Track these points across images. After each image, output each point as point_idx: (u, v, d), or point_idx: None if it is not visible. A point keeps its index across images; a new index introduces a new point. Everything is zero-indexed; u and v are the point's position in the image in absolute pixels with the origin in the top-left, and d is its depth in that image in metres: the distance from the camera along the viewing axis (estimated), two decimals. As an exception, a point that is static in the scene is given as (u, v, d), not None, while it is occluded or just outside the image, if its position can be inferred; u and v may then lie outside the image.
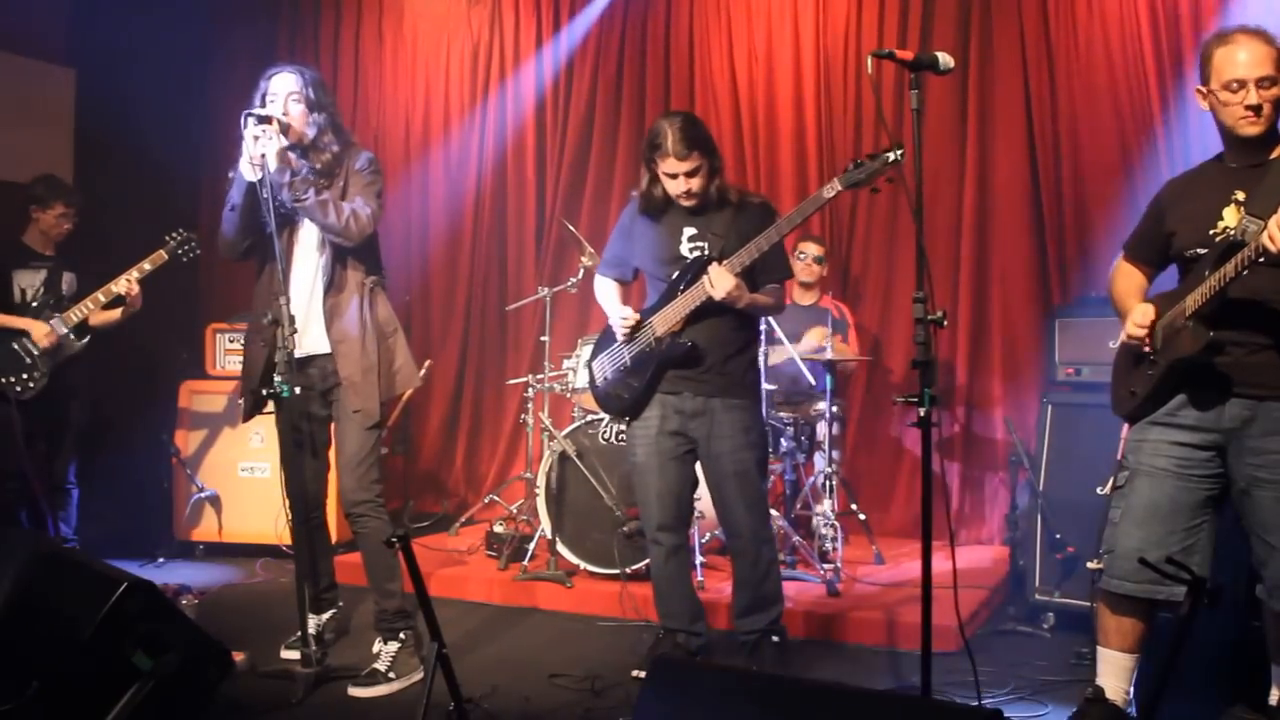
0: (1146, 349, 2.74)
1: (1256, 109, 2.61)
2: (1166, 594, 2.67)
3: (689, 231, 3.35)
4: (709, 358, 3.32)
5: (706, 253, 3.30)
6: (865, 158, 2.96)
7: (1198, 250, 2.71)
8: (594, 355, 3.57)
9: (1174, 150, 4.74)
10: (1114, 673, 2.84)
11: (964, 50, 5.23)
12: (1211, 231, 2.68)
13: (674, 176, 3.27)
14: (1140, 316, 2.74)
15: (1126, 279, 2.97)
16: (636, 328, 3.38)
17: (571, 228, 5.20)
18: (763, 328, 4.07)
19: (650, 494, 3.40)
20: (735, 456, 3.32)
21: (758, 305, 3.33)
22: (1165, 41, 4.80)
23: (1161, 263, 2.95)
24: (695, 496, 3.52)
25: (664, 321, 3.33)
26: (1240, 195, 2.65)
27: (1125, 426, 2.94)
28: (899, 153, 2.91)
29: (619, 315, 3.41)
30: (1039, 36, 5.14)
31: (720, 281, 3.16)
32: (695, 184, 3.27)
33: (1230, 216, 2.66)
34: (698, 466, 3.46)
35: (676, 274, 3.33)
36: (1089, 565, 3.68)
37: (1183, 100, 4.68)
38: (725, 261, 3.20)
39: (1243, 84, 2.62)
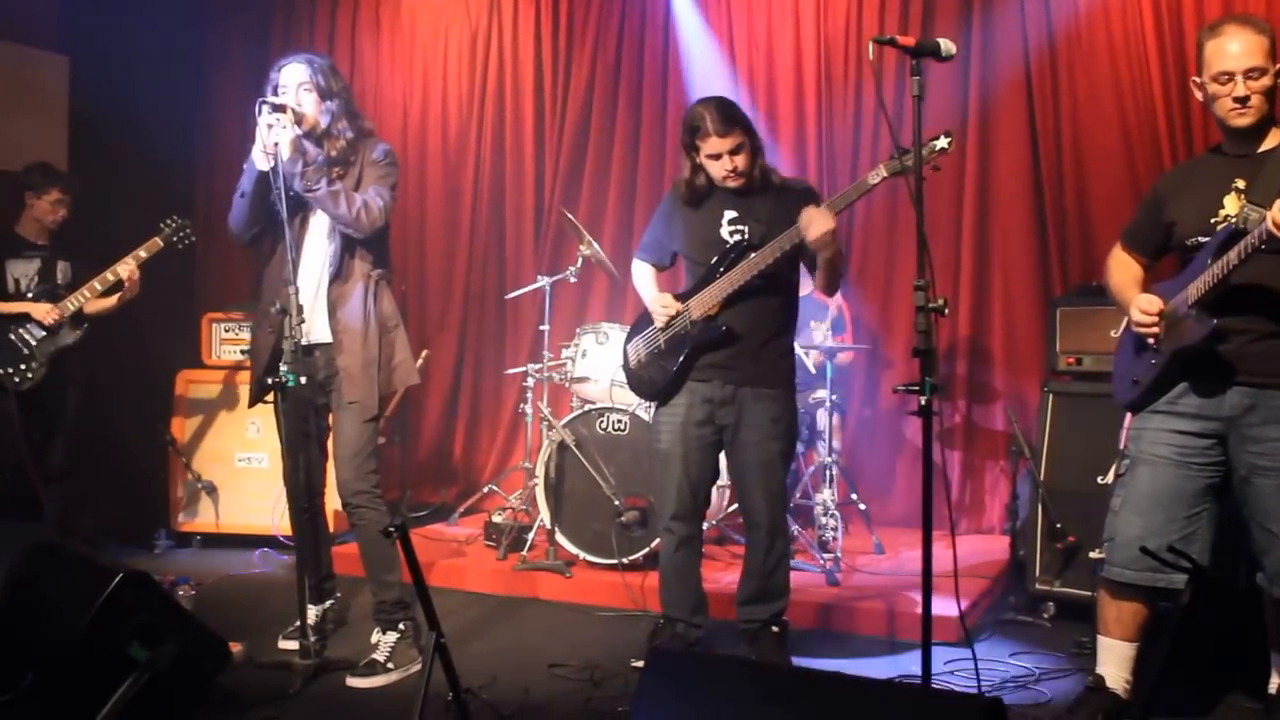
0: (1157, 333, 2.72)
1: (1244, 100, 2.61)
2: (1166, 582, 2.68)
3: (729, 215, 3.32)
4: (743, 342, 3.29)
5: (747, 237, 3.27)
6: (911, 146, 2.77)
7: (1198, 239, 2.72)
8: (630, 337, 3.55)
9: (1176, 138, 4.72)
10: (1114, 661, 2.85)
11: (965, 37, 5.19)
12: (1212, 220, 2.69)
13: (717, 157, 3.24)
14: (1147, 304, 2.73)
15: (1124, 269, 2.96)
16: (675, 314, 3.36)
17: (570, 216, 5.17)
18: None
19: (670, 483, 3.39)
20: (761, 447, 3.31)
21: (837, 263, 3.22)
22: (1168, 29, 4.77)
23: (1159, 253, 2.95)
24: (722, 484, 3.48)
25: (700, 304, 3.31)
26: (1240, 183, 2.66)
27: (1128, 416, 2.94)
28: (948, 140, 2.87)
29: (659, 303, 3.39)
30: (1041, 24, 5.10)
31: (820, 221, 3.04)
32: (740, 162, 3.24)
33: (1231, 205, 2.66)
34: (720, 457, 3.45)
35: (716, 258, 3.30)
36: (1091, 555, 3.67)
37: (1185, 88, 4.65)
38: (826, 203, 3.10)
39: (1231, 76, 2.62)
